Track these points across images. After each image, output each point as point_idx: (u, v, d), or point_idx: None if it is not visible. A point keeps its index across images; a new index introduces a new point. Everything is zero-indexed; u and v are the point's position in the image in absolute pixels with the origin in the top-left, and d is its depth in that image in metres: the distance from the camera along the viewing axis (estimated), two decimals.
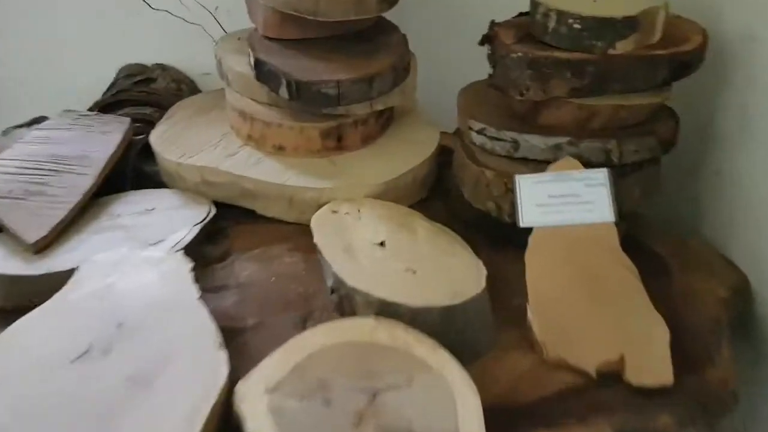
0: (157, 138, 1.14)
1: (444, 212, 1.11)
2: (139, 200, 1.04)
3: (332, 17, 1.04)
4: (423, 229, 0.95)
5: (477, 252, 0.90)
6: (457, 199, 1.09)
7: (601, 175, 0.88)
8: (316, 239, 0.91)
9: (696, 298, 0.93)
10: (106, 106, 1.34)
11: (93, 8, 1.45)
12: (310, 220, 0.94)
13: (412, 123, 1.22)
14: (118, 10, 1.44)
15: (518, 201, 0.88)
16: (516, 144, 0.99)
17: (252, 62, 1.07)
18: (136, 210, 1.01)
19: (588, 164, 0.95)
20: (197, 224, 0.97)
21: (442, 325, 0.78)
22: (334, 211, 0.99)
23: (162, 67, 1.48)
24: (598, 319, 0.79)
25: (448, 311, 0.79)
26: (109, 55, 1.48)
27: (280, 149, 1.09)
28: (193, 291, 0.77)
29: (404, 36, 1.12)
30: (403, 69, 1.10)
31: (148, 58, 1.51)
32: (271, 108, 1.10)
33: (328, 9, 1.03)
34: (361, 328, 0.75)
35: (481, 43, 1.02)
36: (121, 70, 1.48)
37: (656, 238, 1.05)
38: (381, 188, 1.05)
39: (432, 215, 1.05)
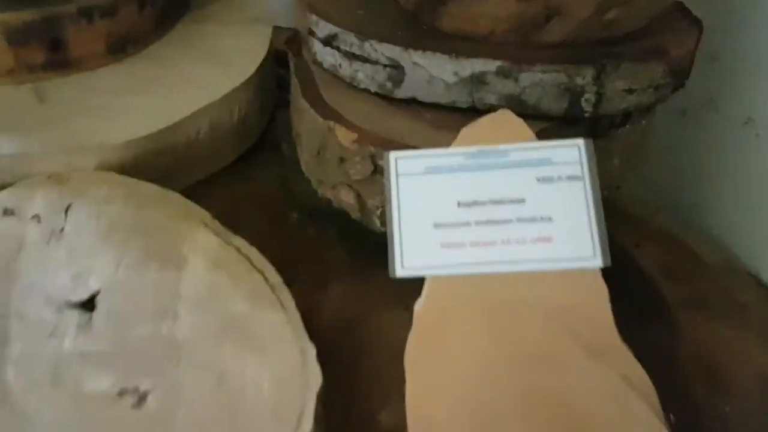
0: None
1: (275, 186, 0.62)
2: None
3: None
4: (201, 257, 0.45)
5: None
6: (296, 164, 0.59)
7: (576, 153, 0.40)
8: None
9: (723, 378, 0.49)
10: None
11: None
12: None
13: (225, 18, 0.68)
14: None
15: (393, 213, 0.39)
16: (398, 71, 0.49)
17: None
18: None
19: (534, 117, 0.46)
20: None
21: None
22: (9, 212, 0.46)
23: None
24: None
25: None
26: None
27: None
28: None
29: None
30: None
31: None
32: None
33: None
34: None
35: None
36: None
37: (640, 242, 0.60)
38: (135, 151, 0.53)
39: (247, 193, 0.59)
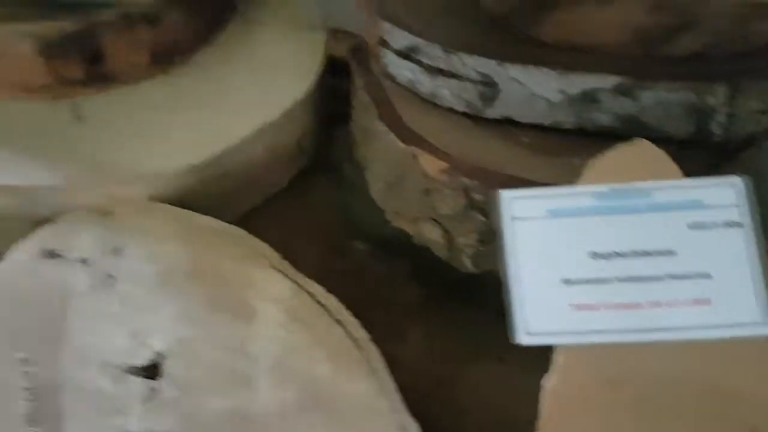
0: None
1: (334, 212, 0.55)
2: None
3: None
4: (273, 307, 0.39)
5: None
6: (360, 188, 0.53)
7: (731, 193, 0.33)
8: None
9: None
10: None
11: None
12: None
13: (276, 21, 0.62)
14: None
15: (510, 264, 0.33)
16: (491, 88, 0.43)
17: None
18: None
19: (652, 140, 0.40)
20: None
21: None
22: (53, 254, 0.40)
23: None
24: None
25: None
26: None
27: None
28: None
29: None
30: None
31: None
32: None
33: None
34: None
35: None
36: None
37: None
38: (190, 179, 0.47)
39: (303, 222, 0.53)
